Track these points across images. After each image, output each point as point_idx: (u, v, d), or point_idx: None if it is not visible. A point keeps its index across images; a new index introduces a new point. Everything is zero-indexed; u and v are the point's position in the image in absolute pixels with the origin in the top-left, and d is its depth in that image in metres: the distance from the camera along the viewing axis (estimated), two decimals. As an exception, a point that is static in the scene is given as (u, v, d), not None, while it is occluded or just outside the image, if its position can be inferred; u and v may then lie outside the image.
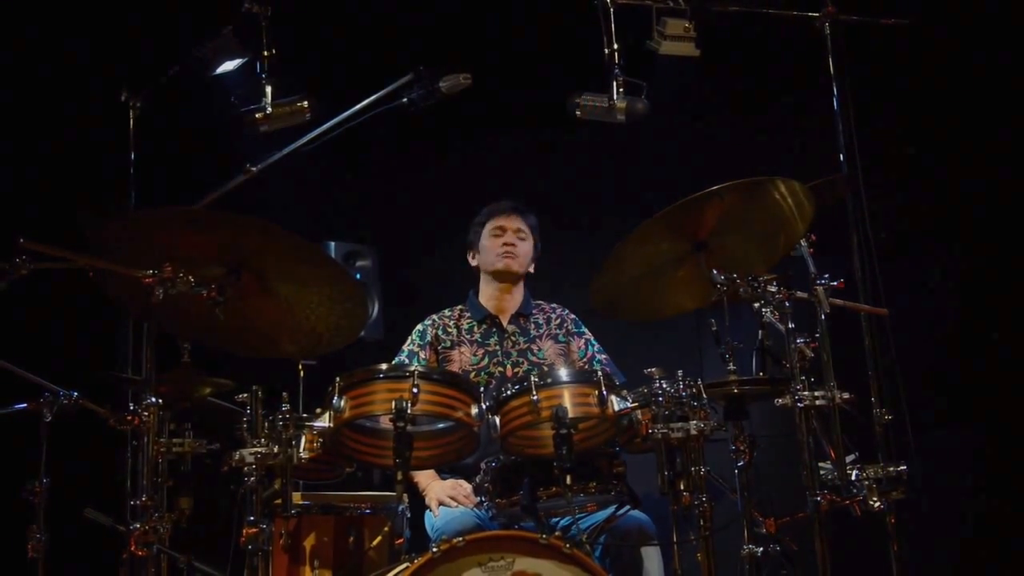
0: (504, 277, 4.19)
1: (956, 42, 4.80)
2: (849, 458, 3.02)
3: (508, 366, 4.07)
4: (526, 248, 4.19)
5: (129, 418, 2.91)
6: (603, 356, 4.15)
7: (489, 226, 4.22)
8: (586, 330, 4.22)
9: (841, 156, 3.90)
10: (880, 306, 3.71)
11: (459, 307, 4.23)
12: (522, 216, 4.22)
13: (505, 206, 4.25)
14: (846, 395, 2.87)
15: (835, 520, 2.84)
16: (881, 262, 3.87)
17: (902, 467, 3.04)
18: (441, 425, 3.14)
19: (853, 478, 2.97)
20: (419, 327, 4.18)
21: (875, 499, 2.95)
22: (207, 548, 3.27)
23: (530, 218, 4.24)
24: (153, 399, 2.88)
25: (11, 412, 3.59)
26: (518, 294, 4.22)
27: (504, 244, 4.16)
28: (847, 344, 3.32)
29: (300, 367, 3.93)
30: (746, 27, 4.43)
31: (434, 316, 4.20)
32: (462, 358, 4.08)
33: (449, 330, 4.15)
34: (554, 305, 4.28)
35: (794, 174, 3.10)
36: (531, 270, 4.25)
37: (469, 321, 4.18)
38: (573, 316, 4.25)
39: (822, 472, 2.91)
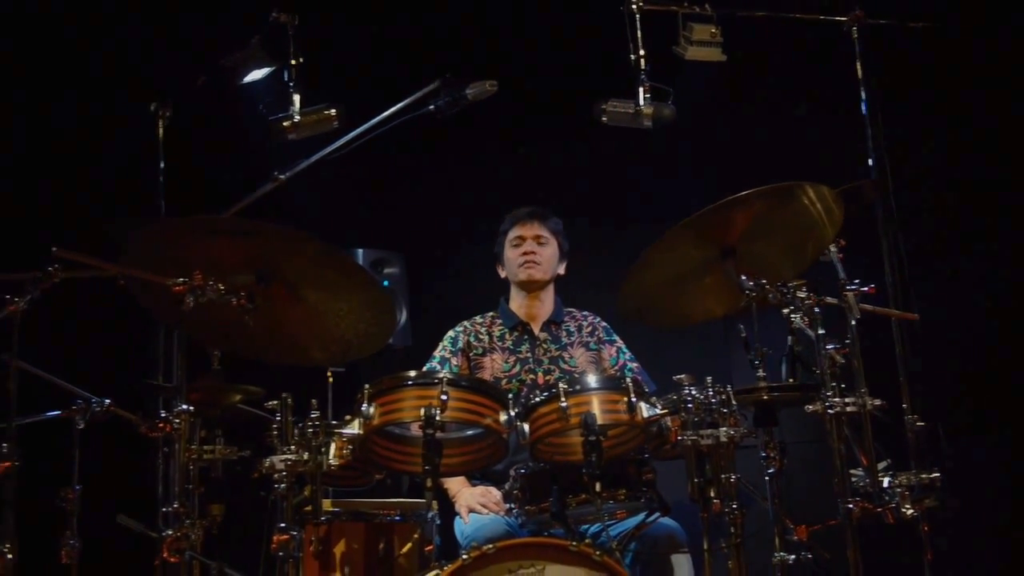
0: (529, 287, 4.17)
1: (986, 44, 4.76)
2: (881, 465, 2.99)
3: (540, 373, 4.06)
4: (548, 253, 4.16)
5: (160, 425, 2.94)
6: (635, 364, 4.13)
7: (510, 236, 4.19)
8: (617, 338, 4.20)
9: (870, 160, 3.88)
10: (911, 311, 3.69)
11: (491, 314, 4.22)
12: (541, 220, 4.18)
13: (522, 213, 4.21)
14: (877, 401, 2.85)
15: (867, 528, 2.82)
16: (912, 267, 3.84)
17: (935, 474, 3.01)
18: (470, 432, 3.13)
19: (885, 485, 2.95)
20: (451, 333, 4.17)
21: (908, 506, 2.92)
22: (238, 554, 3.28)
23: (550, 221, 4.19)
24: (184, 406, 2.90)
25: (44, 419, 3.62)
26: (548, 301, 4.21)
27: (524, 254, 4.13)
28: (878, 350, 3.29)
29: (329, 374, 3.94)
30: (773, 31, 4.41)
31: (466, 323, 4.20)
32: (494, 365, 4.07)
33: (481, 337, 4.15)
34: (585, 312, 4.26)
35: (823, 179, 3.08)
36: (561, 271, 4.22)
37: (501, 328, 4.17)
38: (605, 324, 4.22)
39: (854, 479, 2.89)
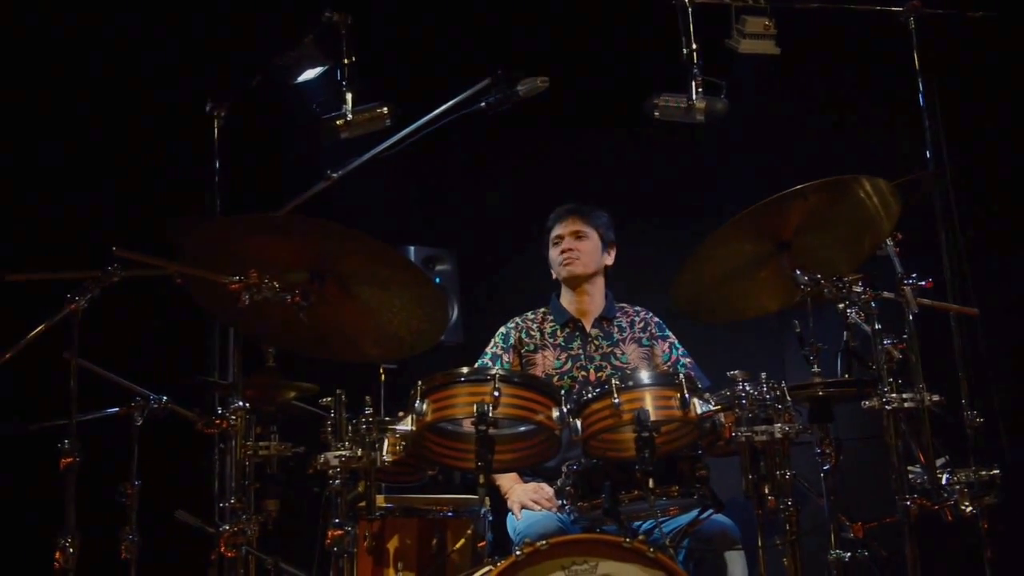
0: (572, 283, 4.16)
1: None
2: (939, 462, 2.95)
3: (591, 370, 4.04)
4: (589, 246, 4.14)
5: (217, 421, 2.97)
6: (688, 360, 4.10)
7: (551, 236, 4.21)
8: (670, 333, 4.17)
9: (927, 152, 3.82)
10: (970, 306, 3.63)
11: (542, 310, 4.22)
12: (579, 215, 4.17)
13: (560, 211, 4.22)
14: (936, 397, 2.81)
15: (925, 525, 2.78)
16: (970, 260, 3.78)
17: (995, 471, 2.96)
18: (522, 428, 3.13)
19: (944, 482, 2.90)
20: (502, 330, 4.18)
21: (967, 504, 2.87)
22: (293, 550, 3.31)
23: (590, 215, 4.17)
24: (240, 403, 2.93)
25: (103, 416, 3.69)
26: (598, 296, 4.19)
27: (562, 252, 4.14)
28: (936, 345, 3.24)
29: (381, 371, 3.96)
30: (828, 22, 4.35)
31: (517, 319, 4.20)
32: (545, 362, 4.07)
33: (532, 333, 4.15)
34: (638, 308, 4.23)
35: (879, 171, 3.04)
36: (607, 262, 4.20)
37: (552, 324, 4.16)
38: (657, 319, 4.20)
39: (911, 476, 2.85)
